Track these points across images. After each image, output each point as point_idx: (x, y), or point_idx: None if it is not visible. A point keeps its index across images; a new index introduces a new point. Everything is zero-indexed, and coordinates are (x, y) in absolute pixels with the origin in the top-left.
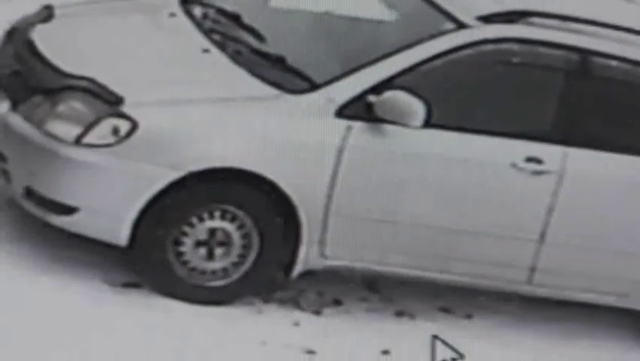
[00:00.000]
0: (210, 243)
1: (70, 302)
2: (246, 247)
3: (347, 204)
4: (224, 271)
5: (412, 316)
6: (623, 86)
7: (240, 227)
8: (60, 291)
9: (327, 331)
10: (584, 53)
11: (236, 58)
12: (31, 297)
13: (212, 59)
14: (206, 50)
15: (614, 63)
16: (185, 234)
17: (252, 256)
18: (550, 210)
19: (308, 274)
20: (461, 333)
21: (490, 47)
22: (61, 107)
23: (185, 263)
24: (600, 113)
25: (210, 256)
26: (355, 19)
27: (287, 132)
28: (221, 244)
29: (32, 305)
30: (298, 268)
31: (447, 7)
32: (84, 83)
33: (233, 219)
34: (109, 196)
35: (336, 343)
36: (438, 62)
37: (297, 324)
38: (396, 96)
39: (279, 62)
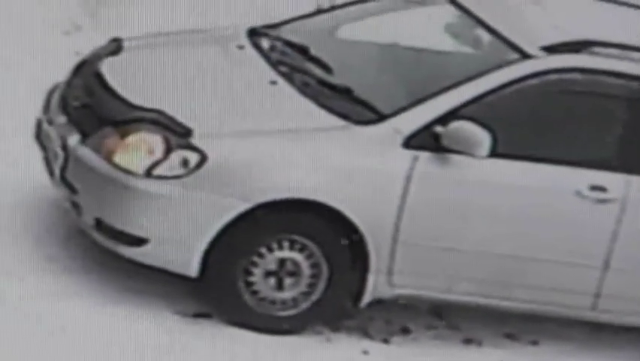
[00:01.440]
0: (280, 273)
1: (140, 332)
2: (315, 276)
3: (414, 233)
4: (294, 301)
5: (478, 343)
6: None
7: (309, 257)
8: (130, 321)
9: (395, 359)
10: None
11: (303, 89)
12: (102, 327)
13: (280, 90)
14: (273, 82)
15: None
16: (254, 264)
17: (321, 285)
18: (614, 237)
19: (376, 302)
20: (527, 359)
21: (554, 76)
22: (131, 139)
23: (254, 293)
24: None
25: (280, 285)
26: (421, 50)
27: (354, 163)
28: (291, 273)
29: (103, 335)
30: (366, 297)
31: (511, 38)
32: (153, 115)
33: (302, 249)
34: (179, 227)
35: None
36: (503, 92)
37: (365, 352)
38: (463, 126)
39: (346, 93)
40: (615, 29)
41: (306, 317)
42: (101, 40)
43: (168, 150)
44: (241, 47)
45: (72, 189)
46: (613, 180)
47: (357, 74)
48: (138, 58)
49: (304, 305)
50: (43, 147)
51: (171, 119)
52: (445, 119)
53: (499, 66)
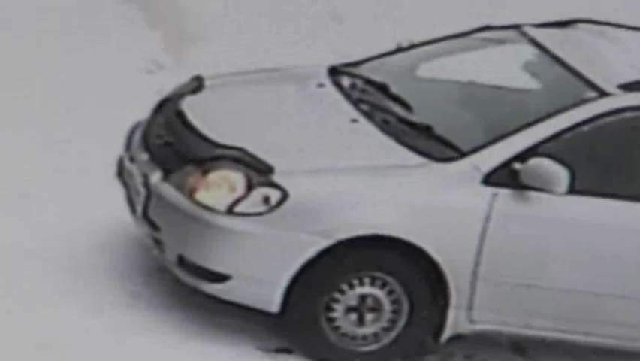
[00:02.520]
0: (361, 308)
1: None
2: (396, 312)
3: (494, 269)
4: (375, 336)
5: None
6: None
7: (390, 293)
8: (213, 357)
9: None
10: None
11: (384, 127)
12: None
13: (361, 128)
14: (354, 120)
15: None
16: (335, 300)
17: (401, 321)
18: None
19: (456, 338)
20: None
21: (631, 114)
22: (213, 177)
23: (336, 329)
24: None
25: (361, 321)
26: (499, 88)
27: (434, 199)
28: (372, 309)
29: None
30: (447, 333)
31: (589, 76)
32: (235, 153)
33: (383, 285)
34: (260, 264)
35: None
36: (581, 130)
37: None
38: (541, 163)
39: (426, 130)
40: None
41: (387, 353)
42: (183, 79)
43: (250, 187)
44: (321, 86)
45: (154, 227)
46: None
47: (437, 112)
48: (220, 96)
49: (385, 341)
50: (126, 185)
51: (252, 156)
52: (523, 156)
53: (577, 104)
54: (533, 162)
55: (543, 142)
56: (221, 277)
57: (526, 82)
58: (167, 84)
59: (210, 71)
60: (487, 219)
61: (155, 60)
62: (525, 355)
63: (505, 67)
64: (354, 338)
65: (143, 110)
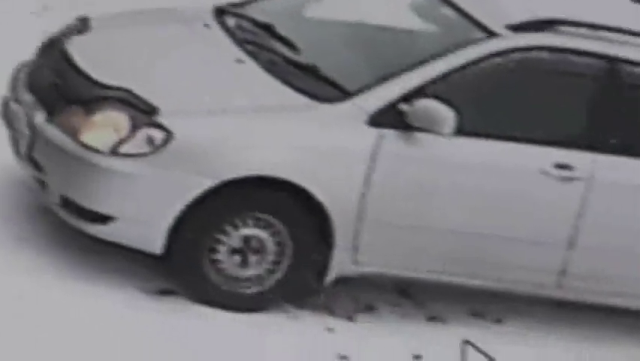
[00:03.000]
0: (245, 250)
1: (105, 309)
2: (280, 254)
3: (379, 210)
4: (259, 278)
5: (443, 320)
6: None
7: (274, 234)
8: (95, 298)
9: (360, 336)
10: (613, 60)
11: (269, 68)
12: (67, 305)
13: (246, 69)
14: (240, 61)
15: None
16: (219, 242)
17: (285, 263)
18: (579, 216)
19: (341, 280)
20: (492, 337)
21: (519, 55)
22: (97, 118)
23: (219, 270)
24: (629, 120)
25: (245, 263)
26: (387, 29)
27: (320, 141)
28: (256, 251)
29: (68, 313)
30: (331, 275)
31: (477, 17)
32: (120, 94)
33: (267, 226)
34: (144, 205)
35: (369, 348)
36: (469, 71)
37: (330, 330)
38: (428, 104)
39: (312, 71)
40: (584, 8)
41: (271, 295)
42: (68, 20)
43: (134, 128)
44: (207, 26)
45: (38, 168)
46: (579, 159)
47: (323, 53)
48: (105, 36)
49: (269, 283)
50: (10, 126)
51: (137, 97)
52: (410, 97)
53: (465, 44)
54: (420, 103)
55: (430, 83)
56: (104, 219)
57: (414, 23)
58: (53, 25)
59: (96, 11)
60: (373, 160)
61: (41, 1)
62: (410, 297)
63: (394, 8)
64: (237, 279)
65: (28, 52)
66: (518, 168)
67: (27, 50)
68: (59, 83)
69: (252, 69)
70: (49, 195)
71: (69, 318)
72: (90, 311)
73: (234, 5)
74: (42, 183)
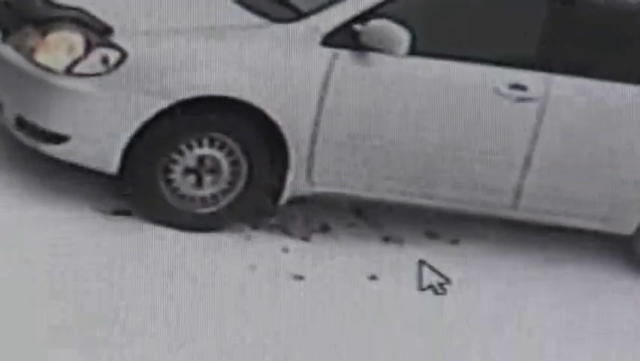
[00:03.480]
0: (199, 170)
1: (60, 231)
2: (235, 174)
3: (333, 130)
4: (214, 198)
5: (399, 241)
6: (606, 13)
7: (229, 154)
8: (49, 220)
9: (315, 256)
10: None
11: None
12: (21, 225)
13: None
14: None
15: None
16: (174, 162)
17: (240, 183)
18: (534, 136)
19: (296, 200)
20: (448, 258)
21: None
22: (51, 38)
23: (174, 190)
24: (583, 41)
25: (199, 183)
26: None
27: (274, 61)
28: (210, 171)
29: (22, 233)
30: (286, 195)
31: None
32: (74, 14)
33: (221, 146)
34: (99, 125)
35: (324, 268)
36: None
37: (285, 250)
38: (381, 25)
39: None
40: None
41: (226, 215)
42: None
43: (89, 48)
44: None
45: None
46: (533, 79)
47: None
48: None
49: (224, 203)
50: None
51: (92, 17)
52: (364, 17)
53: None
54: (373, 23)
55: (384, 3)
56: (60, 138)
57: None
58: None
59: None
60: (327, 80)
61: None
62: (366, 218)
63: None
64: (192, 199)
65: None
66: (472, 88)
67: None
68: (14, 3)
69: None
70: (4, 115)
71: (26, 240)
72: (41, 233)
73: None
74: None
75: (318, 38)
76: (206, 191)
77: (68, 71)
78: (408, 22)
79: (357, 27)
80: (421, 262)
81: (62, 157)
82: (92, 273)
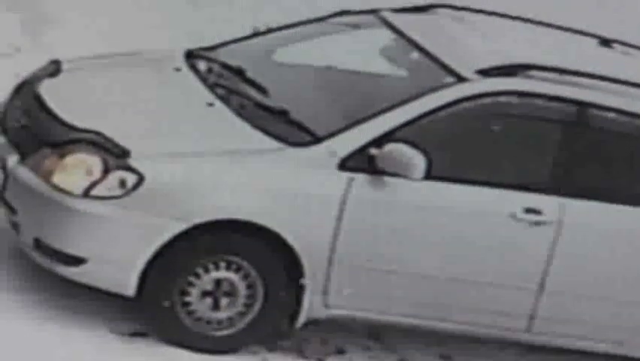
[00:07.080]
0: (216, 293)
1: (77, 351)
2: (251, 296)
3: (349, 254)
4: (230, 321)
5: None
6: (621, 137)
7: (245, 277)
8: (67, 340)
9: None
10: (583, 105)
11: (240, 111)
12: (38, 346)
13: (217, 112)
14: (210, 104)
15: (611, 115)
16: (191, 284)
17: (256, 305)
18: (549, 260)
19: (312, 323)
20: None
21: (489, 99)
22: (69, 160)
23: (191, 313)
24: (598, 165)
25: (216, 305)
26: (357, 73)
27: (290, 184)
28: (227, 294)
29: (39, 355)
30: (302, 318)
31: (446, 61)
32: (91, 136)
33: (238, 269)
34: (116, 247)
35: None
36: (438, 115)
37: None
38: (398, 149)
39: (282, 115)
40: (554, 53)
41: (242, 337)
42: (40, 62)
43: (106, 171)
44: (178, 69)
45: (11, 209)
46: (548, 203)
47: (293, 97)
48: (77, 79)
49: (240, 325)
50: None
51: (109, 140)
52: (380, 141)
53: (435, 89)
54: (389, 147)
55: (400, 127)
56: (77, 261)
57: (384, 67)
58: (25, 67)
59: (68, 54)
60: (343, 204)
61: (13, 43)
62: (381, 340)
63: (363, 52)
64: (209, 322)
65: (0, 94)
66: (488, 213)
67: None
68: (32, 126)
69: (223, 112)
70: (22, 237)
71: (36, 359)
72: (58, 353)
73: (205, 49)
74: (15, 225)
75: (335, 162)
76: (223, 313)
77: (86, 193)
78: (424, 146)
79: (373, 151)
80: None
81: (80, 279)
82: None
